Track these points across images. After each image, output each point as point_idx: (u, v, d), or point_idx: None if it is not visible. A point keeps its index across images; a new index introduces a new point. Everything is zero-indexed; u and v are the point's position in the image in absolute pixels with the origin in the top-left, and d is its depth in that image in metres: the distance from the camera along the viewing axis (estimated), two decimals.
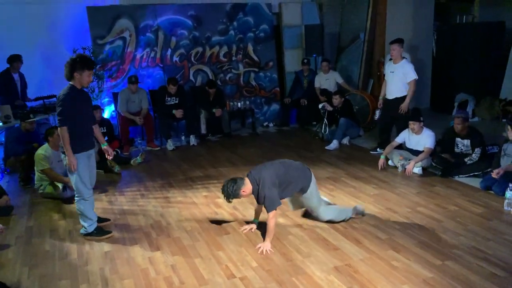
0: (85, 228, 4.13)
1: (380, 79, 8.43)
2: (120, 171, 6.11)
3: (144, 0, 7.96)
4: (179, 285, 3.32)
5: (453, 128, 5.54)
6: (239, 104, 8.36)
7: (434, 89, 9.70)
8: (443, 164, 5.51)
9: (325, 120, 7.37)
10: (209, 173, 5.99)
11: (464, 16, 9.45)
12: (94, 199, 4.31)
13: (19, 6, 7.22)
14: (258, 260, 3.62)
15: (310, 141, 7.56)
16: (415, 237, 3.88)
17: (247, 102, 8.52)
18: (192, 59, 8.37)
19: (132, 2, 7.91)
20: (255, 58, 8.84)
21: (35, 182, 5.29)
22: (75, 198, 4.10)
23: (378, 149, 6.51)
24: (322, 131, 7.44)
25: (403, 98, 6.15)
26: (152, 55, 8.08)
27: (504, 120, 7.46)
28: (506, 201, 4.42)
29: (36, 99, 6.88)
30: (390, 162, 5.93)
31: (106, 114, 7.77)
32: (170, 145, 7.32)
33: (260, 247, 3.77)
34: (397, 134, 6.02)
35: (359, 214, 4.33)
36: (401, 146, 5.96)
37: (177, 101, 7.52)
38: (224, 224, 4.33)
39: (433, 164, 5.60)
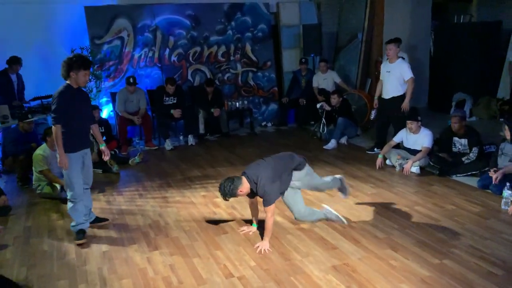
0: (73, 224, 4.14)
1: (378, 78, 8.45)
2: (118, 171, 6.10)
3: (142, 0, 7.96)
4: (178, 284, 3.32)
5: (450, 128, 5.55)
6: (237, 103, 8.36)
7: (432, 89, 9.73)
8: (440, 164, 5.52)
9: (323, 119, 7.38)
10: (207, 173, 5.99)
11: (462, 16, 9.47)
12: (92, 200, 4.32)
13: (16, 6, 7.21)
14: (256, 259, 3.62)
15: (308, 140, 7.57)
16: (413, 236, 3.89)
17: (245, 102, 8.52)
18: (190, 58, 8.37)
19: (130, 2, 7.90)
20: (253, 58, 8.85)
21: (33, 182, 5.29)
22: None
23: (375, 149, 6.53)
24: (320, 130, 7.45)
25: (400, 97, 6.17)
26: (150, 55, 8.08)
27: (502, 119, 7.50)
28: (504, 200, 4.44)
29: (34, 99, 6.87)
30: (388, 162, 5.94)
31: (104, 114, 7.77)
32: (168, 145, 7.32)
33: (258, 246, 3.77)
34: (394, 134, 6.04)
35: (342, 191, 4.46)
36: (399, 146, 5.98)
37: (175, 101, 7.52)
38: (222, 224, 4.34)
39: (431, 163, 5.61)
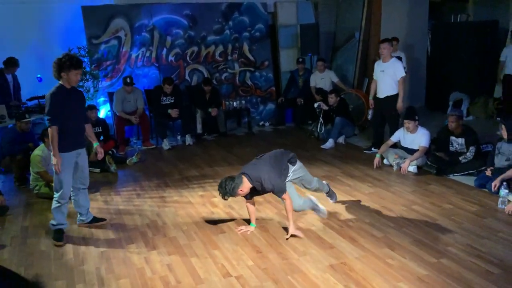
0: (53, 223, 4.12)
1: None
2: (116, 170, 6.10)
3: (139, 0, 7.95)
4: (175, 284, 3.32)
5: (447, 127, 5.57)
6: (235, 103, 8.35)
7: (429, 88, 9.75)
8: (438, 163, 5.54)
9: (321, 119, 7.38)
10: (205, 173, 5.99)
11: (459, 15, 9.50)
12: (89, 200, 4.30)
13: (13, 5, 7.18)
14: (254, 259, 3.63)
15: (306, 140, 7.57)
16: (410, 235, 3.91)
17: (243, 102, 8.51)
18: (188, 58, 8.36)
19: (127, 1, 7.88)
20: (251, 57, 8.85)
21: (31, 183, 5.28)
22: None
23: (372, 148, 6.53)
24: (318, 130, 7.46)
25: (394, 96, 6.20)
26: (147, 54, 8.07)
27: (498, 118, 7.52)
28: (500, 199, 4.46)
29: (31, 98, 6.85)
30: (385, 161, 5.95)
31: (102, 114, 7.76)
32: (166, 144, 7.32)
33: (291, 235, 3.89)
34: (390, 133, 6.05)
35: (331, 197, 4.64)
36: (396, 145, 5.99)
37: (172, 101, 7.51)
38: (220, 223, 4.34)
39: (428, 162, 5.63)
